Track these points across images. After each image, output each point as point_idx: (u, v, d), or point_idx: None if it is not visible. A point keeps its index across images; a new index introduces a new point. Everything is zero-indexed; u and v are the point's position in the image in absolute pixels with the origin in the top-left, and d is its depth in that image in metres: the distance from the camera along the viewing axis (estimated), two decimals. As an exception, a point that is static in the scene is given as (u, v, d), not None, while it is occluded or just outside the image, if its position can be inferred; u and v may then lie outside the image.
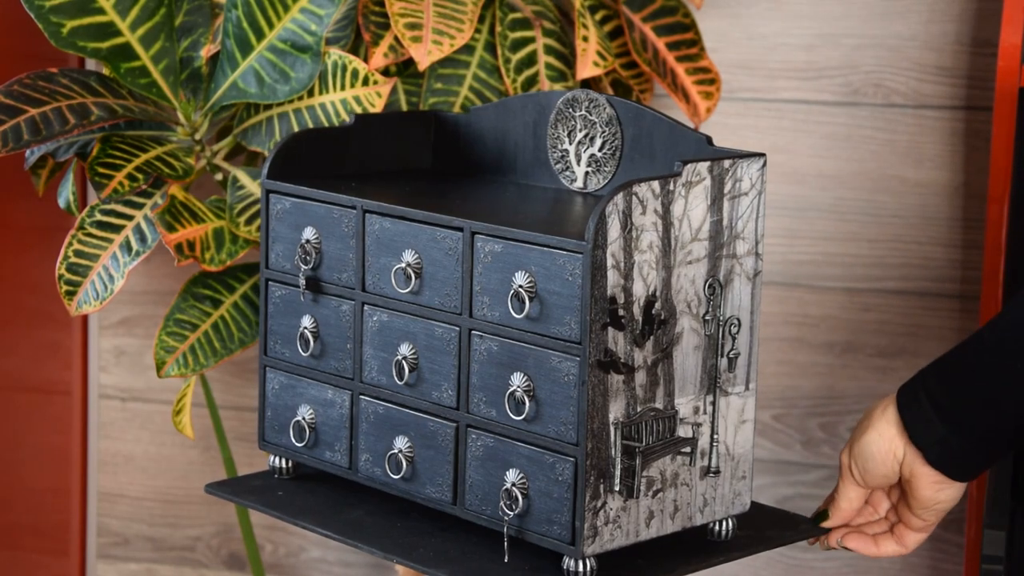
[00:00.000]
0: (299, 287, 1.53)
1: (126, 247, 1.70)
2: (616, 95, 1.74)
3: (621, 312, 1.34)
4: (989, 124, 1.93)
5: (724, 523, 1.45)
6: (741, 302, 1.42)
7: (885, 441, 1.43)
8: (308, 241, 1.52)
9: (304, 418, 1.55)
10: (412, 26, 1.71)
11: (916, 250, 2.00)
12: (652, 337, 1.36)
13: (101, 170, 1.67)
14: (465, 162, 1.64)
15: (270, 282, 1.56)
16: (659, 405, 1.38)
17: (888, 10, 1.97)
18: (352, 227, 1.49)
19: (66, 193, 1.84)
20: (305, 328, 1.53)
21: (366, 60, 1.76)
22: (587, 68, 1.76)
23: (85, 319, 2.23)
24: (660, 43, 1.90)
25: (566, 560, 1.36)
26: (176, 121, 1.77)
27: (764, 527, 1.49)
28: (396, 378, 1.46)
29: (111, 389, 2.25)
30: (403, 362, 1.46)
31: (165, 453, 2.26)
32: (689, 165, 1.36)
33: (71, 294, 1.69)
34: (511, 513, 1.39)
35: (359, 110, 1.71)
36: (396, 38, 1.76)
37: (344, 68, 1.72)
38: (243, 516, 2.03)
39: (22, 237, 2.18)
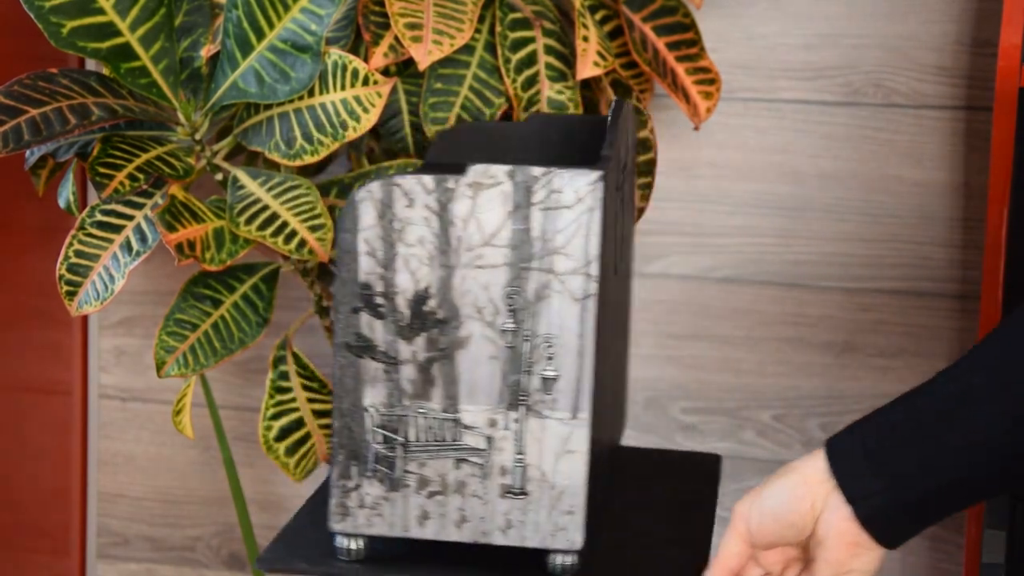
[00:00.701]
0: None
1: (126, 247, 1.70)
2: (616, 95, 1.74)
3: (379, 301, 1.33)
4: (989, 124, 1.93)
5: (558, 556, 1.37)
6: (563, 323, 1.33)
7: (806, 487, 1.27)
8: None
9: None
10: (412, 26, 1.71)
11: (916, 250, 2.00)
12: (424, 334, 1.34)
13: (101, 170, 1.66)
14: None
15: None
16: (435, 406, 1.35)
17: (888, 10, 1.97)
18: None
19: (66, 193, 1.84)
20: None
21: (366, 60, 1.76)
22: (587, 68, 1.76)
23: (85, 319, 2.23)
24: (660, 43, 1.90)
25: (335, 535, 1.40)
26: (176, 121, 1.77)
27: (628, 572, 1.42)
28: None
29: (111, 389, 2.25)
30: None
31: (165, 453, 2.26)
32: (478, 166, 1.33)
33: (72, 294, 1.69)
34: None
35: (359, 110, 1.71)
36: (396, 38, 1.76)
37: (344, 68, 1.72)
38: (243, 516, 2.03)
39: (22, 237, 2.18)
